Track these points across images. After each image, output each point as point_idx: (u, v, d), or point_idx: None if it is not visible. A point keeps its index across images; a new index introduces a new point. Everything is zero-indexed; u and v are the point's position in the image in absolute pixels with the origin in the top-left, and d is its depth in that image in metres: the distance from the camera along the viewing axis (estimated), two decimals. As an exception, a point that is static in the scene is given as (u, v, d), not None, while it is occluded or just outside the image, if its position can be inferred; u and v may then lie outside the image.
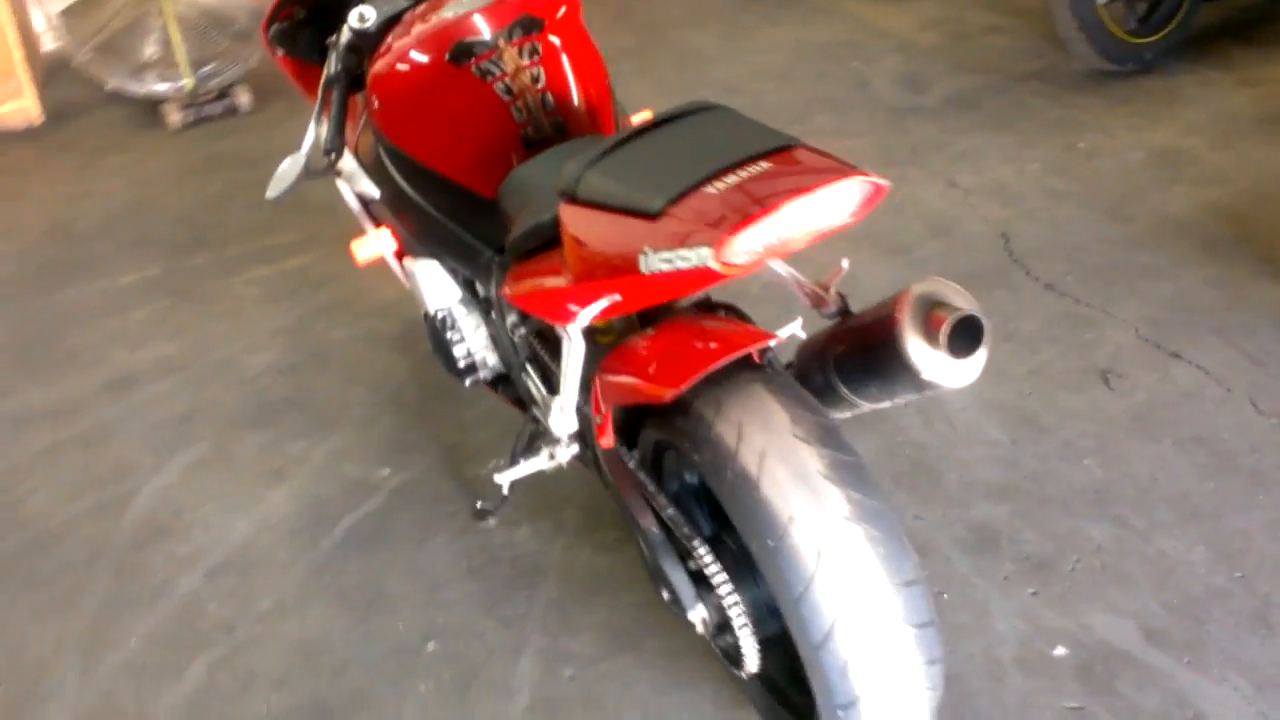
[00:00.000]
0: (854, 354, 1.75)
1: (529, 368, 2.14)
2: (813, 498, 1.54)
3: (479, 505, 2.52)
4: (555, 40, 2.10)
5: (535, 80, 2.03)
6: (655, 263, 1.42)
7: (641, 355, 1.75)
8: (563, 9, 2.15)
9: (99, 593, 2.44)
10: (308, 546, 2.51)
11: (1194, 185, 3.58)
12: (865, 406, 1.84)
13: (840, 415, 1.91)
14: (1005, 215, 3.52)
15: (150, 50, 4.76)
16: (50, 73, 5.48)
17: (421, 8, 2.24)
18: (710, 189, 1.38)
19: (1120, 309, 3.00)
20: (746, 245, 1.31)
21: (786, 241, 1.34)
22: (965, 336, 1.55)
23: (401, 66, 2.05)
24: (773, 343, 1.66)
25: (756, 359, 1.73)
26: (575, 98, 2.06)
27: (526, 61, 2.04)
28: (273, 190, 2.17)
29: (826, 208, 1.33)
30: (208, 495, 2.70)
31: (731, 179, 1.38)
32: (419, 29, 2.10)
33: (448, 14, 2.12)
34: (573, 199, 1.58)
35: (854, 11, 5.45)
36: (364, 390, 3.01)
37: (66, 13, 4.86)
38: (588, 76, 2.12)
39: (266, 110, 4.98)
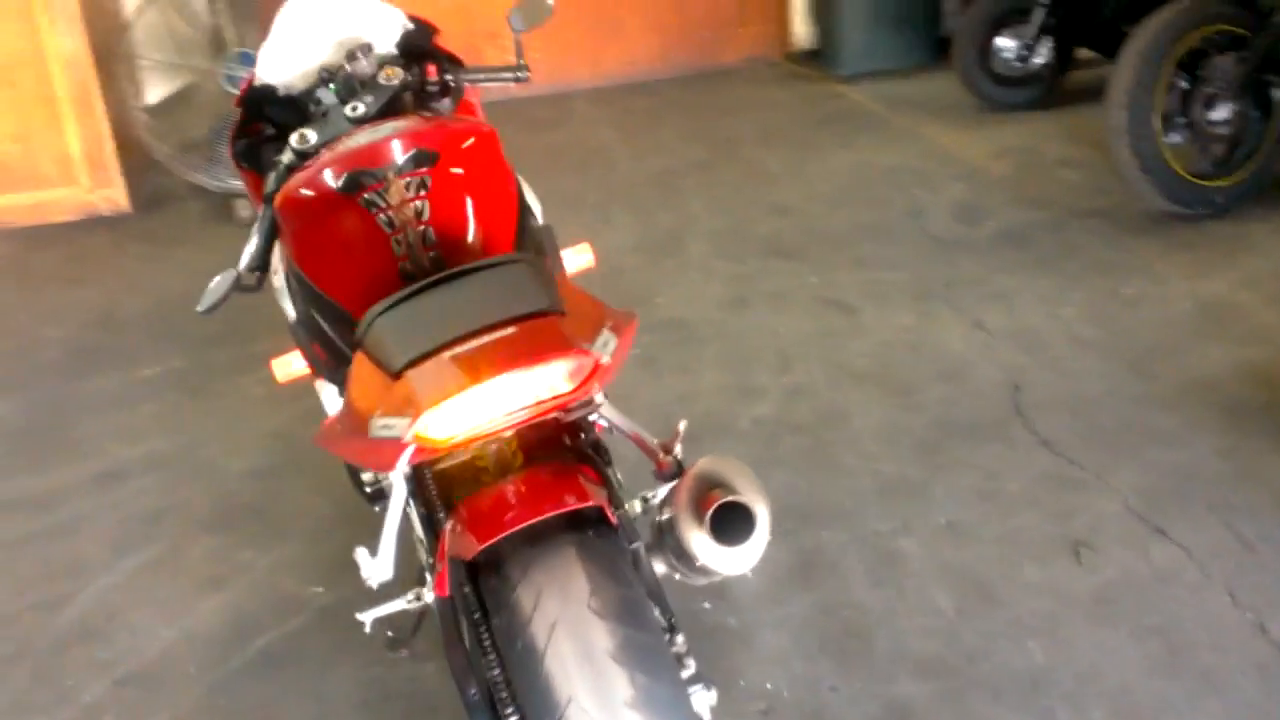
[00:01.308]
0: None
1: (412, 501, 2.09)
2: (595, 678, 1.44)
3: (389, 635, 2.46)
4: (457, 172, 2.07)
5: (418, 214, 2.01)
6: (377, 428, 1.36)
7: (479, 504, 1.69)
8: (470, 140, 2.14)
9: (10, 692, 2.46)
10: (218, 663, 2.49)
11: (1234, 344, 3.34)
12: (693, 578, 1.73)
13: (695, 581, 1.81)
14: (1023, 363, 3.34)
15: (221, 144, 4.95)
16: (150, 162, 5.76)
17: (355, 133, 2.26)
18: (446, 354, 1.32)
19: (1115, 475, 2.80)
20: (442, 422, 1.24)
21: (499, 418, 1.25)
22: (737, 523, 1.44)
23: (303, 192, 2.06)
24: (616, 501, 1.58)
25: (611, 518, 1.65)
26: (461, 233, 2.02)
27: (411, 195, 2.02)
28: (203, 303, 2.19)
29: (535, 384, 1.25)
30: (146, 599, 2.71)
31: (471, 344, 1.32)
32: (325, 156, 2.11)
33: (353, 142, 2.14)
34: (361, 347, 1.54)
35: (930, 136, 5.34)
36: (326, 502, 3.01)
37: (157, 107, 5.11)
38: (486, 211, 2.08)
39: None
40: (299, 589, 2.69)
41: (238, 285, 2.22)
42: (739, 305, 3.86)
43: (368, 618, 2.15)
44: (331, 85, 2.38)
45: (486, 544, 1.57)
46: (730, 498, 1.40)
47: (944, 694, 2.22)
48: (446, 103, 2.66)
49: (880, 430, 3.08)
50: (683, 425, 1.78)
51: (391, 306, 1.52)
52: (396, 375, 1.36)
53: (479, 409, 1.22)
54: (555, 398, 1.23)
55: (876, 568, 2.57)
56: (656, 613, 1.69)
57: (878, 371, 3.38)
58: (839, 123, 5.69)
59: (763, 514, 1.43)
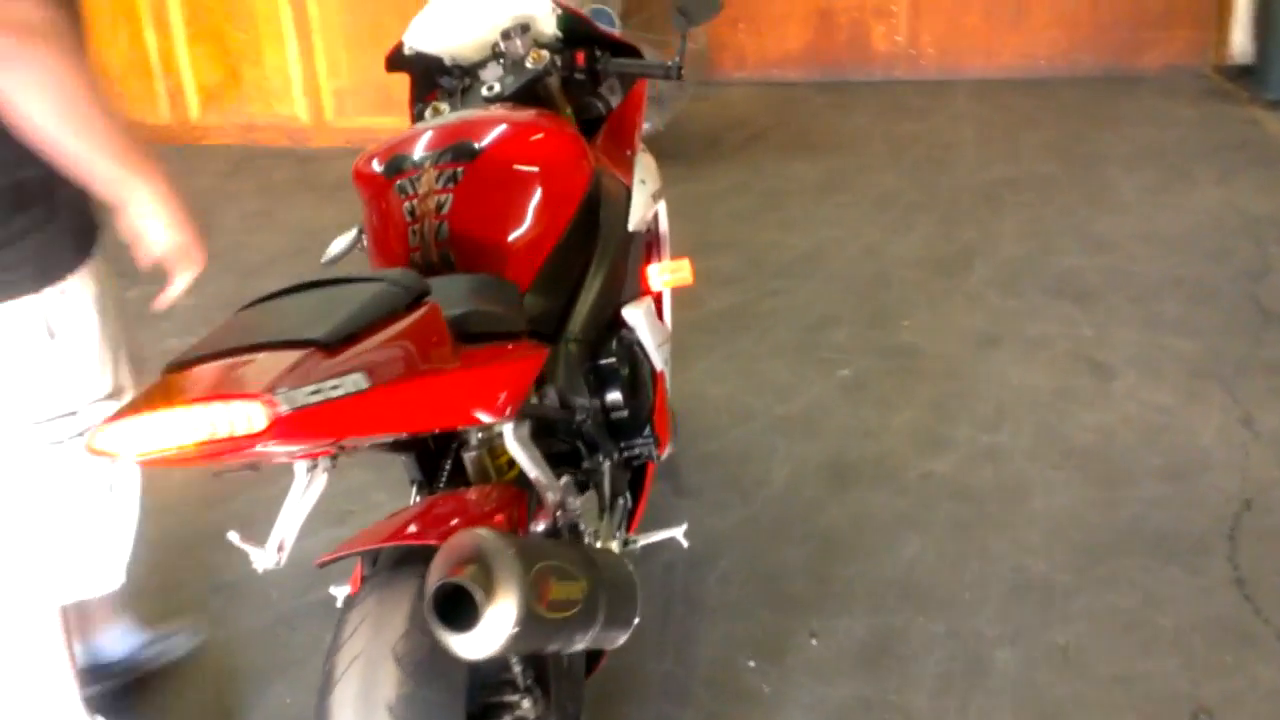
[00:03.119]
0: None
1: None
2: None
3: None
4: (497, 169, 2.02)
5: (439, 208, 1.98)
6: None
7: (403, 511, 1.68)
8: (536, 137, 2.08)
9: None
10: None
11: None
12: None
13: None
14: (1274, 478, 2.79)
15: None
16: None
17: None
18: (199, 368, 1.29)
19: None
20: (112, 441, 1.21)
21: (171, 449, 1.20)
22: (468, 607, 1.30)
23: (363, 167, 2.09)
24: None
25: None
26: (478, 232, 1.97)
27: (439, 187, 1.99)
28: (325, 256, 2.31)
29: (215, 420, 1.18)
30: None
31: (220, 363, 1.28)
32: (395, 136, 2.13)
33: (424, 125, 2.14)
34: None
35: (1335, 185, 4.54)
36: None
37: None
38: (520, 213, 2.02)
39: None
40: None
41: (356, 244, 2.30)
42: (987, 345, 3.50)
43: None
44: (501, 61, 2.39)
45: (327, 560, 1.54)
46: (453, 580, 1.27)
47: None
48: (607, 90, 2.59)
49: (1055, 520, 2.70)
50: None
51: (257, 302, 1.51)
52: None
53: (153, 436, 1.18)
54: (230, 439, 1.17)
55: (952, 674, 2.26)
56: (515, 670, 1.59)
57: (1095, 451, 2.95)
58: (1230, 153, 4.96)
59: (502, 606, 1.28)
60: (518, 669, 1.60)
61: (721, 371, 3.44)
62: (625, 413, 2.09)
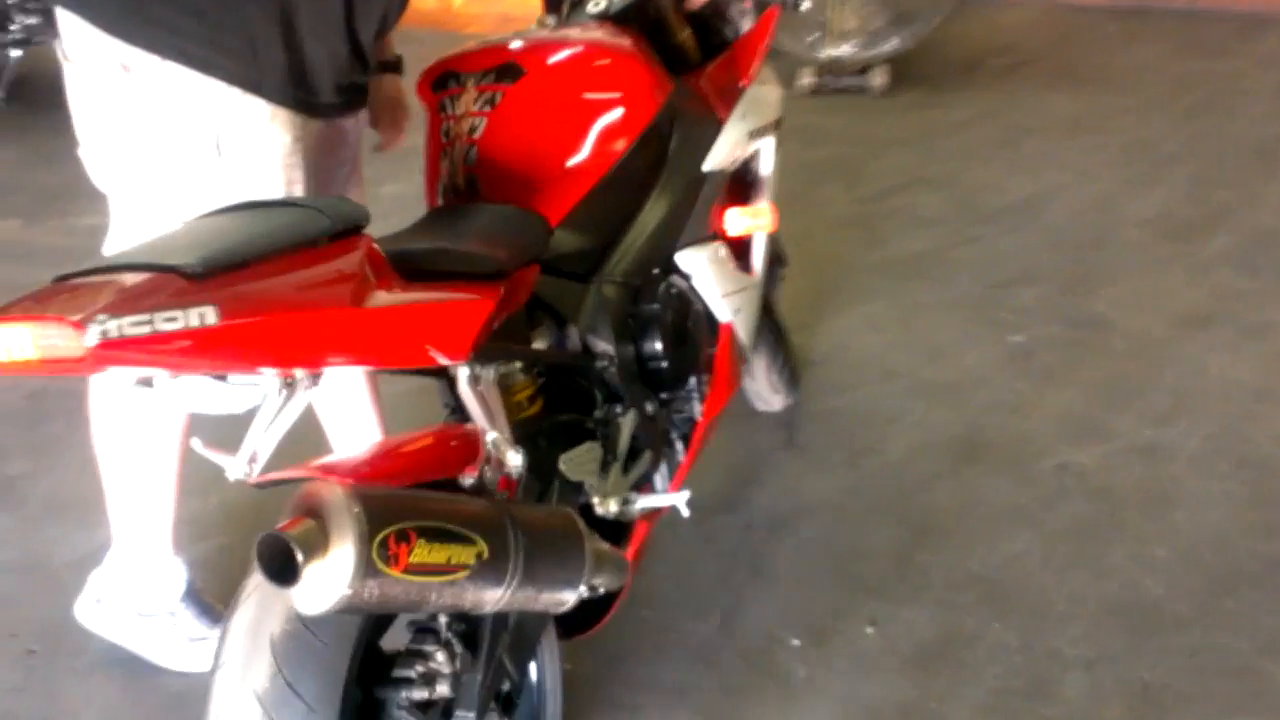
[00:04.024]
0: None
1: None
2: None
3: None
4: (541, 94, 1.92)
5: (471, 130, 1.89)
6: None
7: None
8: (601, 62, 1.95)
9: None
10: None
11: None
12: None
13: None
14: None
15: (813, 9, 4.86)
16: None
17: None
18: (74, 281, 1.26)
19: None
20: None
21: (20, 363, 1.17)
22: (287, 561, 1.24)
23: (425, 80, 2.04)
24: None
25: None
26: (507, 159, 1.88)
27: (476, 108, 1.90)
28: None
29: (43, 343, 1.15)
30: None
31: (88, 280, 1.24)
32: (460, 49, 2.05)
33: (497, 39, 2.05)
34: None
35: None
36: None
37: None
38: (562, 142, 1.91)
39: (896, 97, 4.87)
40: None
41: None
42: (1193, 326, 3.10)
43: None
44: None
45: (271, 479, 1.51)
46: (274, 533, 1.21)
47: None
48: (738, 14, 2.42)
49: (1194, 538, 2.37)
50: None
51: (204, 217, 1.48)
52: None
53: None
54: (57, 360, 1.14)
55: (1009, 691, 2.04)
56: (440, 620, 1.54)
57: (1277, 467, 2.57)
58: None
59: (330, 563, 1.21)
60: (443, 619, 1.54)
61: (882, 320, 3.22)
62: (664, 364, 1.97)
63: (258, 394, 1.43)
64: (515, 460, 1.55)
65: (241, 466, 1.52)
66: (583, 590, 1.62)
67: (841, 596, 2.29)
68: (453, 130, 1.90)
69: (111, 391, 1.97)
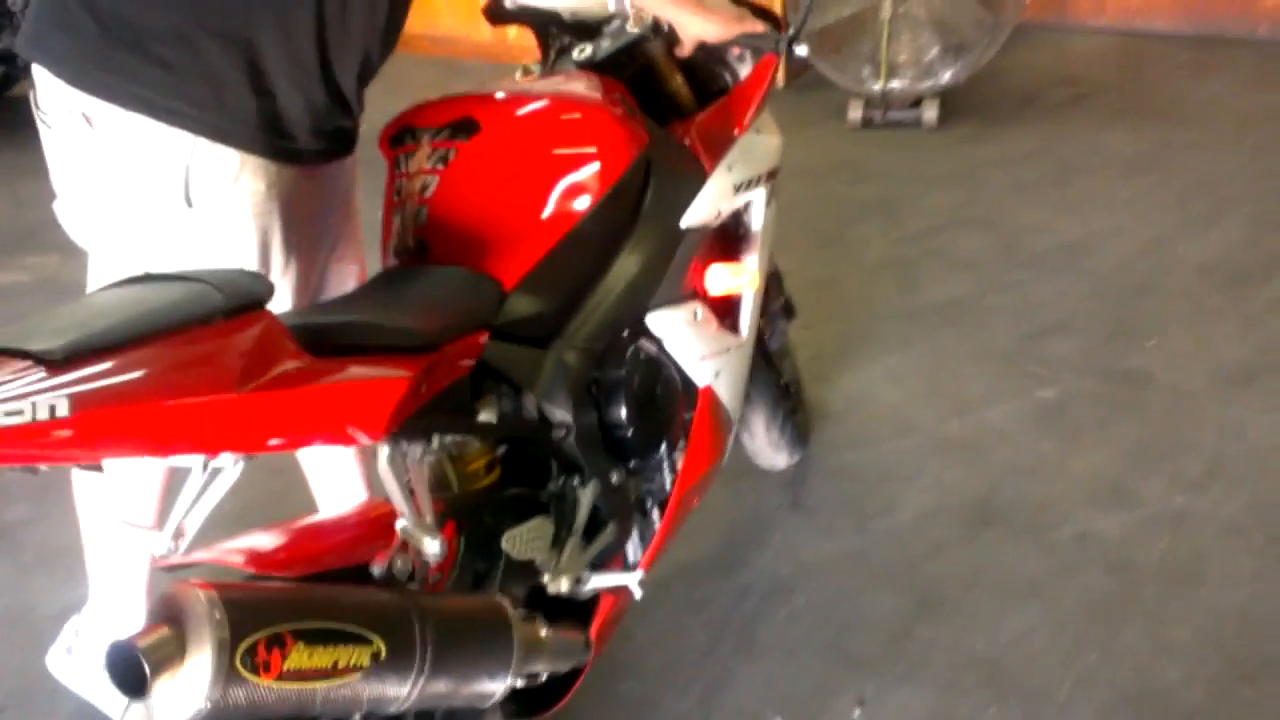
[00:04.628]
0: None
1: None
2: None
3: None
4: (498, 150, 1.85)
5: (423, 189, 1.83)
6: None
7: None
8: (570, 116, 1.87)
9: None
10: None
11: None
12: None
13: None
14: None
15: (863, 44, 4.75)
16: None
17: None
18: None
19: None
20: None
21: None
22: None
23: (385, 134, 1.99)
24: None
25: None
26: (459, 221, 1.81)
27: (429, 166, 1.84)
28: None
29: None
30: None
31: None
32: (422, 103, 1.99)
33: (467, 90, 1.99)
34: None
35: None
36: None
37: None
38: (522, 202, 1.83)
39: (948, 131, 4.72)
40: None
41: None
42: (1237, 384, 2.93)
43: None
44: (617, 22, 2.21)
45: (175, 562, 1.46)
46: (124, 641, 1.15)
47: None
48: (736, 59, 2.33)
49: (1220, 617, 2.21)
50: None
51: (95, 292, 1.43)
52: None
53: None
54: None
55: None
56: None
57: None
58: None
59: (187, 671, 1.15)
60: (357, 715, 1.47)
61: (905, 372, 3.09)
62: (630, 432, 1.88)
63: None
64: (433, 547, 1.48)
65: (165, 543, 1.47)
66: (511, 681, 1.55)
67: (832, 672, 2.18)
68: (405, 188, 1.84)
69: None
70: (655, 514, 2.03)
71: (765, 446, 2.59)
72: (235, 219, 1.73)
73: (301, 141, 1.75)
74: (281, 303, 1.78)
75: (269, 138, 1.71)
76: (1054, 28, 5.59)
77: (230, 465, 1.43)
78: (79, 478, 2.00)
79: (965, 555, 2.43)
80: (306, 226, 1.85)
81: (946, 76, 4.69)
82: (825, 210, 4.14)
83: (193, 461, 1.39)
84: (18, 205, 4.10)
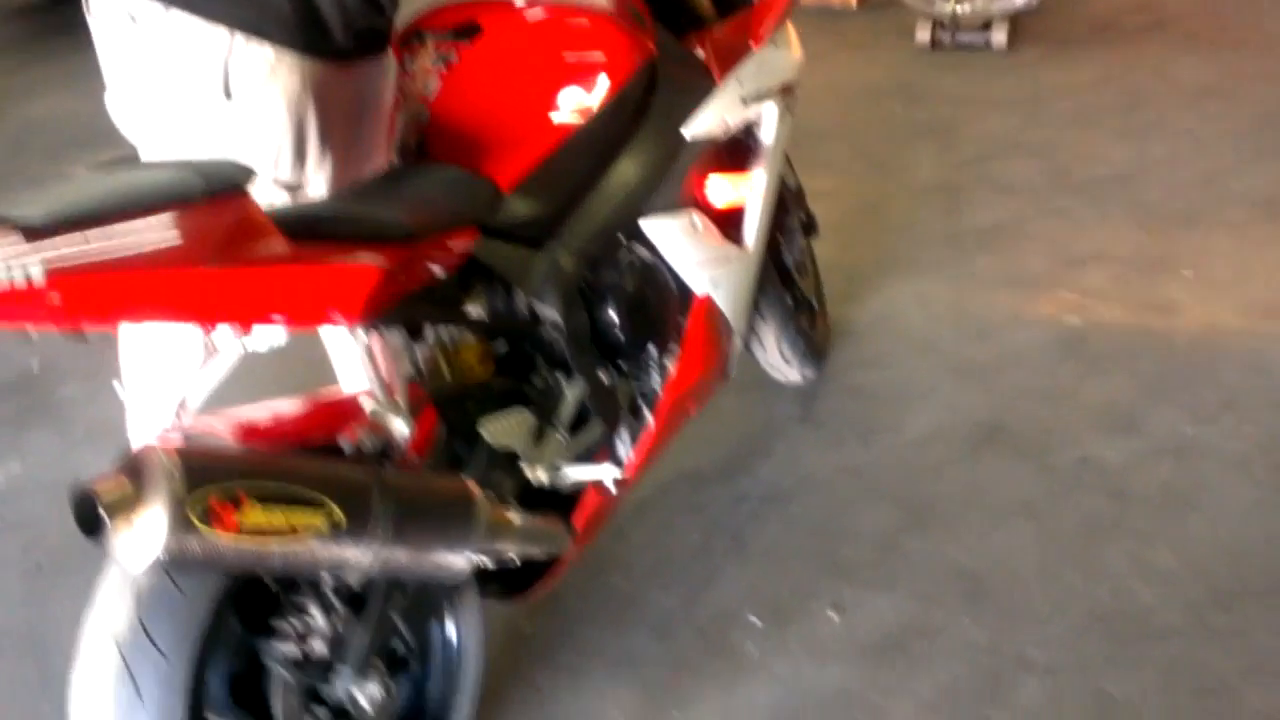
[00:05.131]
0: None
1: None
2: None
3: None
4: (499, 54, 1.91)
5: (425, 89, 1.90)
6: None
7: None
8: (576, 23, 1.93)
9: None
10: None
11: None
12: None
13: None
14: None
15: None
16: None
17: None
18: None
19: None
20: None
21: None
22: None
23: (403, 34, 2.04)
24: None
25: None
26: (459, 122, 1.88)
27: (431, 66, 1.91)
28: None
29: None
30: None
31: None
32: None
33: None
34: None
35: None
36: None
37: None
38: (520, 106, 1.90)
39: (1018, 53, 4.65)
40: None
41: None
42: (1274, 317, 2.89)
43: None
44: None
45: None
46: (84, 486, 1.26)
47: None
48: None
49: (1208, 545, 2.23)
50: None
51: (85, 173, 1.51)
52: None
53: None
54: None
55: (959, 692, 1.98)
56: (325, 577, 1.58)
57: None
58: None
59: (141, 522, 1.26)
60: (326, 577, 1.59)
61: (934, 295, 3.10)
62: (618, 333, 1.96)
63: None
64: (401, 428, 1.57)
65: (170, 414, 1.60)
66: (476, 557, 1.64)
67: (815, 578, 2.25)
68: (408, 88, 1.92)
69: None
70: (648, 415, 2.10)
71: (777, 359, 2.64)
72: (272, 112, 1.80)
73: (335, 39, 1.79)
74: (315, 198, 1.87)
75: (303, 34, 1.76)
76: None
77: (231, 346, 1.55)
78: (126, 358, 2.13)
79: (964, 473, 2.47)
80: (341, 123, 1.91)
81: (1022, 3, 4.61)
82: (882, 132, 4.13)
83: (191, 338, 1.49)
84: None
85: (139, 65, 1.82)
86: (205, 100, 1.78)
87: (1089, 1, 5.02)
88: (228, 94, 1.77)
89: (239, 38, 1.74)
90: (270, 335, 1.51)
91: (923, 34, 4.73)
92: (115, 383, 1.71)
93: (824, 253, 3.08)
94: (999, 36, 4.63)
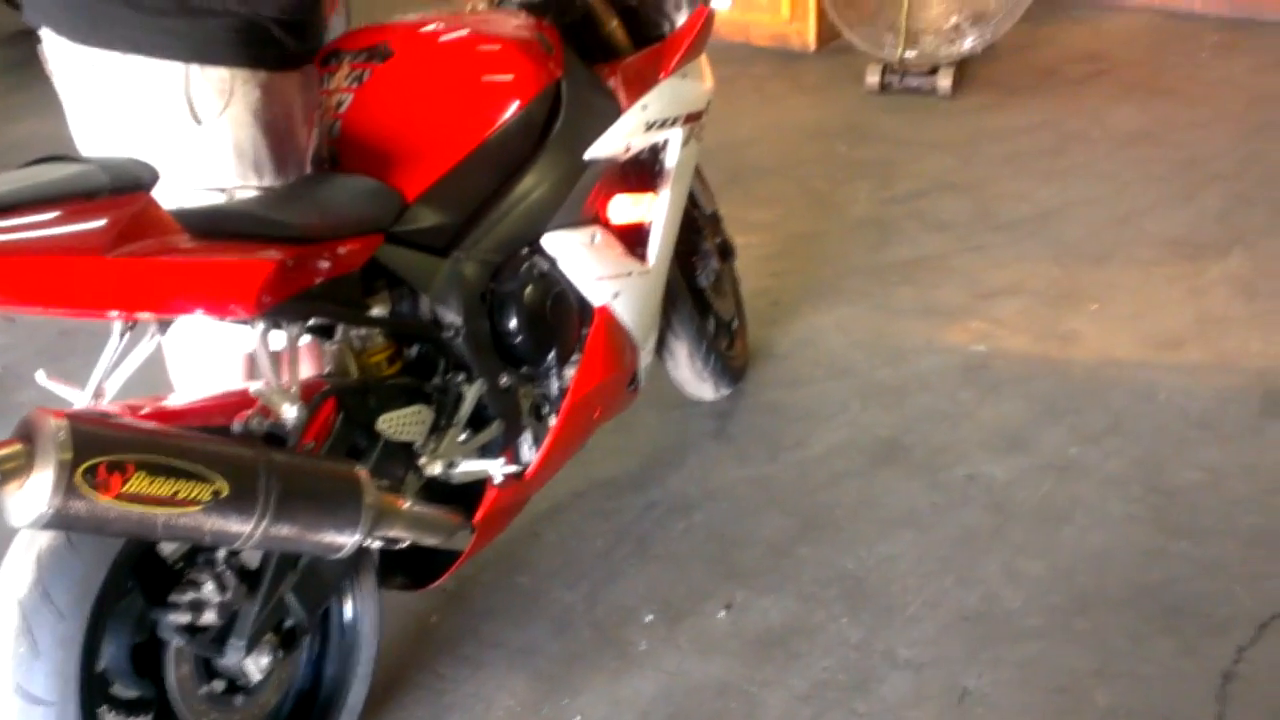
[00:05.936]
0: None
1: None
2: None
3: None
4: (409, 75, 2.08)
5: (338, 105, 2.06)
6: None
7: None
8: (486, 48, 2.10)
9: None
10: None
11: None
12: None
13: None
14: None
15: (886, 10, 4.87)
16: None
17: None
18: None
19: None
20: None
21: None
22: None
23: (323, 55, 2.19)
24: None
25: None
26: (367, 135, 2.04)
27: (345, 84, 2.08)
28: None
29: None
30: None
31: None
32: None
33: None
34: None
35: None
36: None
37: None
38: (427, 124, 2.06)
39: (963, 97, 4.83)
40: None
41: None
42: (1168, 349, 3.05)
43: None
44: None
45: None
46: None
47: None
48: (673, 7, 2.52)
49: (1074, 557, 2.39)
50: None
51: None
52: None
53: None
54: None
55: (829, 684, 2.12)
56: (218, 552, 1.72)
57: (1189, 495, 2.55)
58: None
59: (33, 481, 1.38)
60: (221, 552, 1.72)
61: (855, 321, 3.27)
62: (517, 339, 2.11)
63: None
64: (289, 412, 1.71)
65: (85, 399, 1.74)
66: (361, 538, 1.77)
67: (710, 580, 2.39)
68: (324, 104, 2.08)
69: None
70: (551, 420, 2.25)
71: (690, 376, 2.80)
72: (241, 127, 1.91)
73: (278, 44, 1.90)
74: None
75: (253, 50, 1.88)
76: (1094, 3, 5.63)
77: (149, 334, 1.69)
78: (172, 350, 2.20)
79: (859, 486, 2.62)
80: (303, 125, 2.00)
81: (965, 45, 4.79)
82: (824, 169, 4.31)
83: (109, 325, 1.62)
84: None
85: (107, 111, 1.93)
86: (175, 130, 1.89)
87: (1037, 49, 5.21)
88: (196, 120, 1.89)
89: (193, 67, 1.86)
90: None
91: (872, 78, 4.92)
92: (39, 374, 1.83)
93: (755, 280, 3.26)
94: (944, 82, 4.81)
